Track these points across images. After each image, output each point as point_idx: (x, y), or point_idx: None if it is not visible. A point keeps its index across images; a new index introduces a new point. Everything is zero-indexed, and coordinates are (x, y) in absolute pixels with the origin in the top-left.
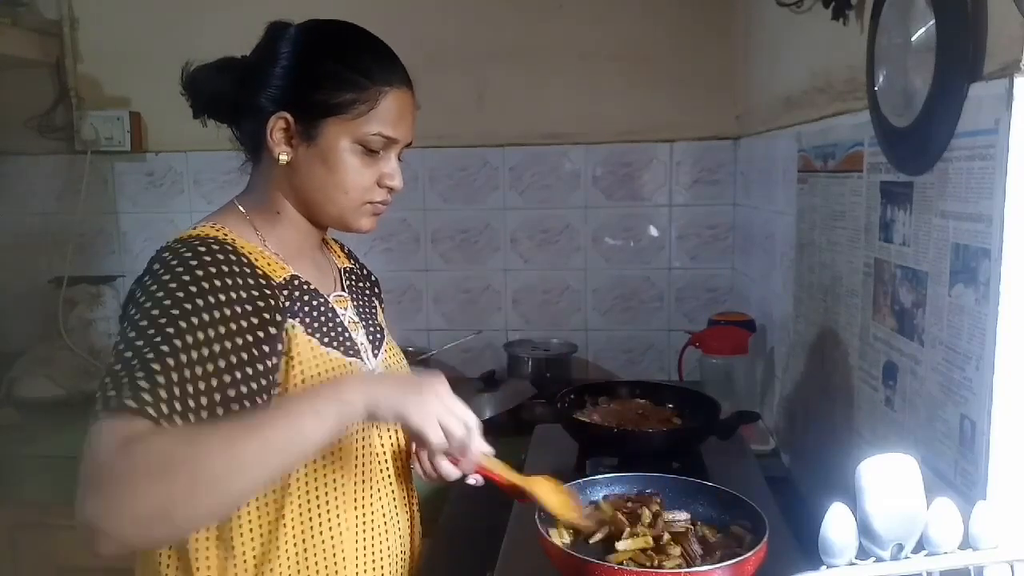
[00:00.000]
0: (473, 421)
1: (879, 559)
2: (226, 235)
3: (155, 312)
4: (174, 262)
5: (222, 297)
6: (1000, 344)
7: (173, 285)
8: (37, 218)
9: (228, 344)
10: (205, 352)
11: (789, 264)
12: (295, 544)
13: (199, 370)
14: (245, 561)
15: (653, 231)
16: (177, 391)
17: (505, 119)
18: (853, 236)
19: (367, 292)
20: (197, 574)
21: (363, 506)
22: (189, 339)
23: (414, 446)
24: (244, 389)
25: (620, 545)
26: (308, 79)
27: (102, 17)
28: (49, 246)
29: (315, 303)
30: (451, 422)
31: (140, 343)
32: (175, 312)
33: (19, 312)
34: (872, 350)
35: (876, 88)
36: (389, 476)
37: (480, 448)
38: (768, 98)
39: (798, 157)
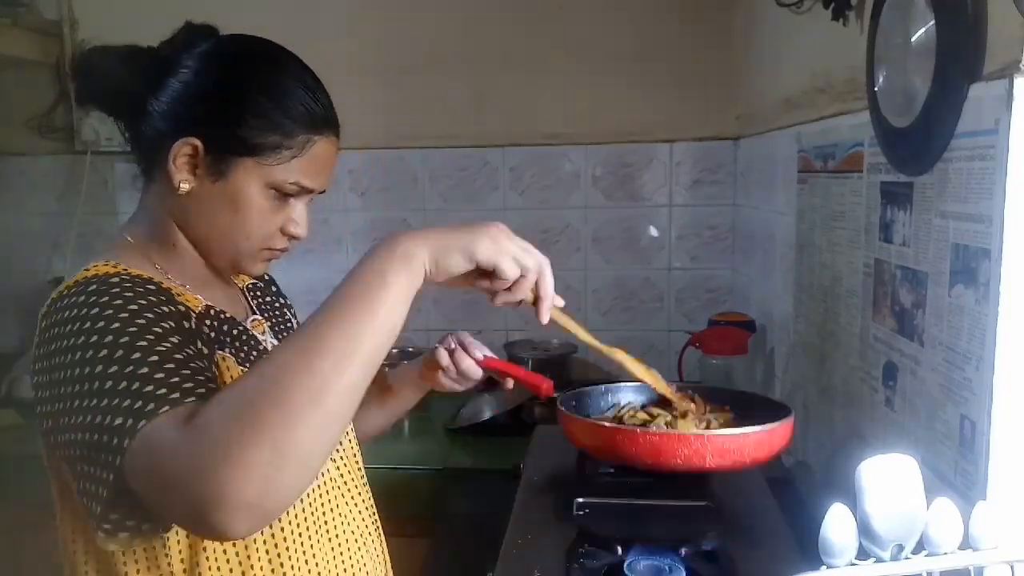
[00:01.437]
0: (545, 259)
1: (879, 559)
2: (125, 270)
3: (110, 344)
4: (76, 308)
5: (150, 316)
6: (1000, 344)
7: (101, 324)
8: (37, 218)
9: (178, 341)
10: (171, 346)
11: (789, 264)
12: None
13: (184, 354)
14: None
15: (653, 231)
16: (194, 371)
17: (505, 119)
18: (853, 236)
19: (276, 304)
20: None
21: (335, 535)
22: (145, 344)
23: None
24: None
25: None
26: (228, 110)
27: (102, 17)
28: (49, 246)
29: (236, 331)
30: (525, 256)
31: (101, 385)
32: (121, 339)
33: (19, 312)
34: (872, 350)
35: (876, 88)
36: (353, 499)
37: (553, 290)
38: (768, 98)
39: (798, 157)
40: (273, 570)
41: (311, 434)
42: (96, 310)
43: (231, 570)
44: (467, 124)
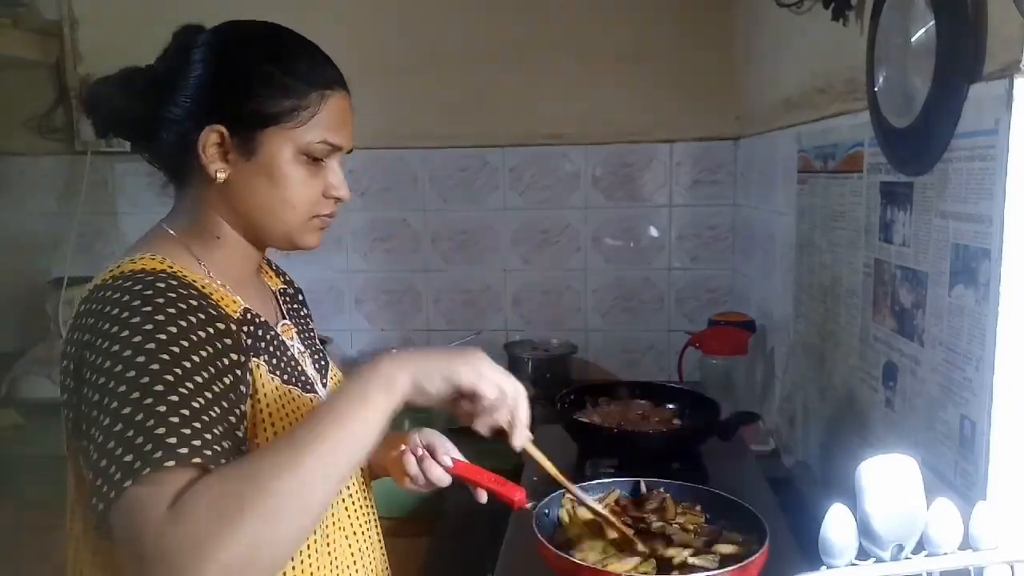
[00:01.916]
0: (522, 388)
1: (879, 560)
2: (171, 267)
3: (130, 372)
4: (117, 306)
5: (185, 343)
6: (1000, 345)
7: (137, 339)
8: (37, 218)
9: (204, 379)
10: (193, 387)
11: (789, 265)
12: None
13: (198, 403)
14: None
15: (653, 232)
16: (200, 428)
17: (505, 119)
18: (853, 237)
19: (302, 313)
20: None
21: (336, 536)
22: (171, 379)
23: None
24: (233, 420)
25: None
26: (239, 87)
27: (102, 17)
28: (49, 246)
29: (269, 337)
30: (504, 381)
31: (132, 404)
32: (151, 365)
33: (19, 312)
34: (872, 351)
35: (876, 89)
36: (355, 501)
37: (527, 417)
38: (768, 99)
39: (798, 158)
40: None
41: (287, 529)
42: (136, 319)
43: None
44: (467, 124)
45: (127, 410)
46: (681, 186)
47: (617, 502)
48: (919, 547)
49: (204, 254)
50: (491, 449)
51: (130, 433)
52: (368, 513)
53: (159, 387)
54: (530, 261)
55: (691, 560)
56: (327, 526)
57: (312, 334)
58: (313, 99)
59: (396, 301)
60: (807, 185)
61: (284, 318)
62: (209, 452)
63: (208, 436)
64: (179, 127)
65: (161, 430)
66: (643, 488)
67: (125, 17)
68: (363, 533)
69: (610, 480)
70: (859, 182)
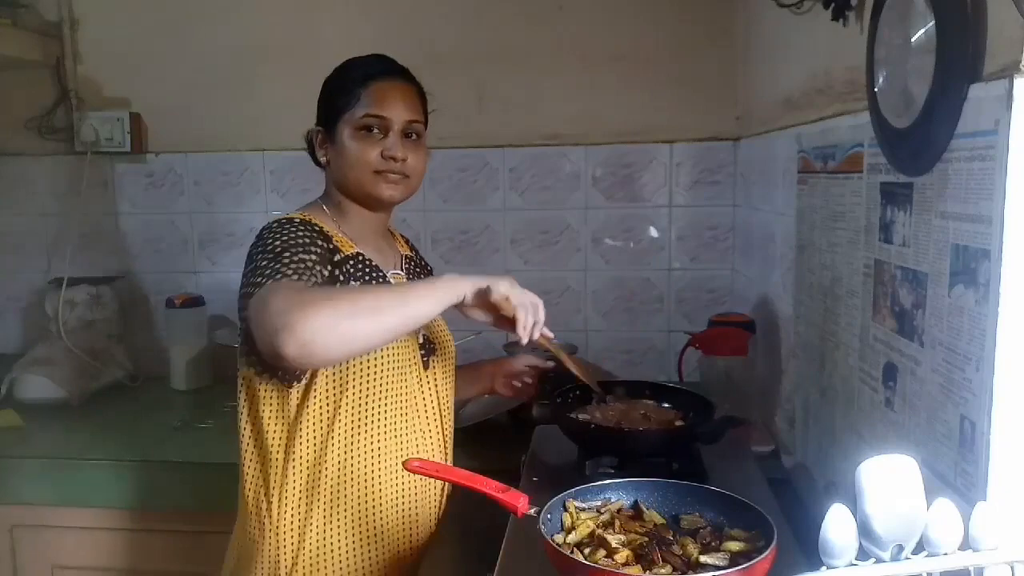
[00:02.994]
0: (540, 300)
1: (879, 560)
2: (308, 218)
3: (274, 246)
4: (279, 228)
5: (308, 244)
6: (1000, 345)
7: (284, 236)
8: (37, 218)
9: (314, 262)
10: (309, 264)
11: (789, 265)
12: (339, 460)
13: (311, 268)
14: (303, 461)
15: (653, 232)
16: (303, 272)
17: (505, 120)
18: (853, 237)
19: (421, 278)
20: (271, 471)
21: (402, 443)
22: (298, 255)
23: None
24: None
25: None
26: (325, 97)
27: (102, 18)
28: (49, 246)
29: (373, 274)
30: (528, 294)
31: (271, 258)
32: (285, 246)
33: (19, 312)
34: (872, 351)
35: (876, 89)
36: (429, 424)
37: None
38: (768, 99)
39: (798, 158)
40: (346, 449)
41: (352, 329)
42: (274, 231)
43: (314, 446)
44: (467, 125)
45: (262, 263)
46: (681, 186)
47: (620, 511)
48: (919, 547)
49: (337, 215)
50: (491, 451)
51: (259, 271)
52: (437, 434)
53: (284, 253)
54: (530, 261)
55: (702, 559)
56: (398, 432)
57: None
58: (359, 90)
59: None
60: (807, 185)
61: (400, 270)
62: (308, 278)
63: (306, 275)
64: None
65: (279, 265)
66: (643, 508)
67: (125, 17)
68: (424, 438)
69: (611, 483)
70: (859, 182)
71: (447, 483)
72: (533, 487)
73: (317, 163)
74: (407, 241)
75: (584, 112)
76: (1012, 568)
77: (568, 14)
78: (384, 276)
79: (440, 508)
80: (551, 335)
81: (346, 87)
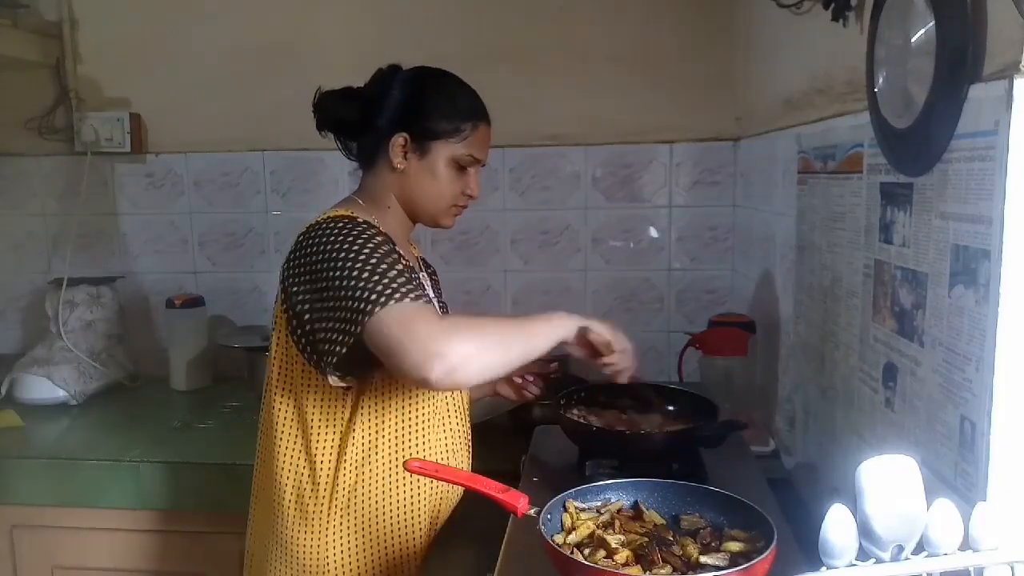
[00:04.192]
0: (630, 346)
1: (879, 560)
2: (356, 217)
3: (364, 257)
4: (334, 230)
5: (385, 247)
6: (1000, 345)
7: (349, 239)
8: (37, 219)
9: (401, 268)
10: (398, 269)
11: (789, 265)
12: (390, 454)
13: (405, 276)
14: (353, 458)
15: (653, 232)
16: (412, 288)
17: (505, 120)
18: (853, 237)
19: (433, 279)
20: (319, 467)
21: (434, 440)
22: (380, 259)
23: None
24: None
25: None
26: (425, 110)
27: (102, 18)
28: (49, 247)
29: (415, 275)
30: (624, 339)
31: (371, 270)
32: (366, 252)
33: (19, 313)
34: (872, 351)
35: (876, 89)
36: (460, 424)
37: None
38: (768, 99)
39: (798, 158)
40: (399, 431)
41: (493, 357)
42: (349, 234)
43: (368, 431)
44: None
45: (365, 274)
46: (681, 187)
47: (620, 511)
48: (919, 548)
49: (377, 215)
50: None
51: (372, 283)
52: (464, 434)
53: (378, 261)
54: (530, 262)
55: (702, 559)
56: (437, 428)
57: (439, 296)
58: (468, 126)
59: None
60: (807, 186)
61: (422, 271)
62: (428, 300)
63: (422, 294)
64: (378, 132)
65: (400, 278)
66: (643, 508)
67: (125, 17)
68: (456, 439)
69: (611, 484)
70: (859, 183)
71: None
72: (533, 487)
73: (367, 163)
74: (415, 245)
75: (584, 112)
76: (1012, 568)
77: (568, 14)
78: (417, 277)
79: (450, 510)
80: (638, 376)
81: (452, 115)
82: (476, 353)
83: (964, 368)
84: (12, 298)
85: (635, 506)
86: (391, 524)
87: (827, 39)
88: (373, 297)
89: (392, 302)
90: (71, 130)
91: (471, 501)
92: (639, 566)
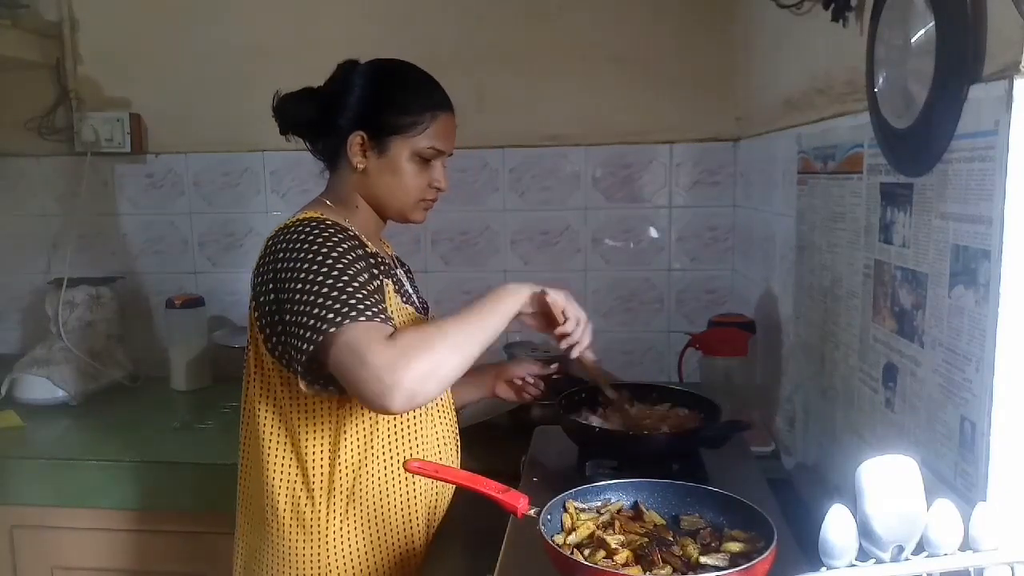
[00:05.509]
0: (585, 317)
1: (879, 561)
2: (327, 219)
3: (327, 266)
4: (300, 235)
5: (350, 256)
6: (1000, 345)
7: (313, 249)
8: (37, 219)
9: (366, 278)
10: (362, 281)
11: (789, 266)
12: (384, 455)
13: (366, 291)
14: (348, 462)
15: (653, 233)
16: (372, 304)
17: (505, 121)
18: (853, 238)
19: (409, 277)
20: (312, 473)
21: (425, 437)
22: (348, 273)
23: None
24: (385, 307)
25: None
26: (380, 106)
27: (102, 19)
28: (49, 247)
29: (391, 272)
30: (579, 309)
31: (331, 286)
32: (334, 264)
33: (19, 313)
34: (872, 351)
35: (876, 90)
36: (444, 422)
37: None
38: (768, 100)
39: (798, 159)
40: (390, 440)
41: (449, 366)
42: (314, 242)
43: (360, 434)
44: (467, 125)
45: (324, 289)
46: (681, 187)
47: (620, 511)
48: (919, 548)
49: (348, 216)
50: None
51: (329, 301)
52: (450, 437)
53: (343, 277)
54: (530, 262)
55: (702, 559)
56: (424, 435)
57: (416, 291)
58: (427, 117)
59: None
60: (807, 186)
61: (400, 268)
62: (383, 317)
63: (381, 306)
64: (338, 131)
65: (360, 295)
66: (643, 508)
67: (125, 17)
68: (443, 442)
69: (611, 484)
70: (859, 183)
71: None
72: (533, 488)
73: (331, 163)
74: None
75: (584, 112)
76: (1012, 568)
77: (568, 14)
78: (397, 273)
79: (446, 508)
80: (594, 357)
81: (409, 109)
82: (431, 370)
83: (964, 368)
84: (12, 298)
85: (635, 506)
86: (391, 524)
87: (827, 39)
88: (329, 316)
89: (347, 321)
90: (71, 130)
91: (472, 501)
92: (639, 566)
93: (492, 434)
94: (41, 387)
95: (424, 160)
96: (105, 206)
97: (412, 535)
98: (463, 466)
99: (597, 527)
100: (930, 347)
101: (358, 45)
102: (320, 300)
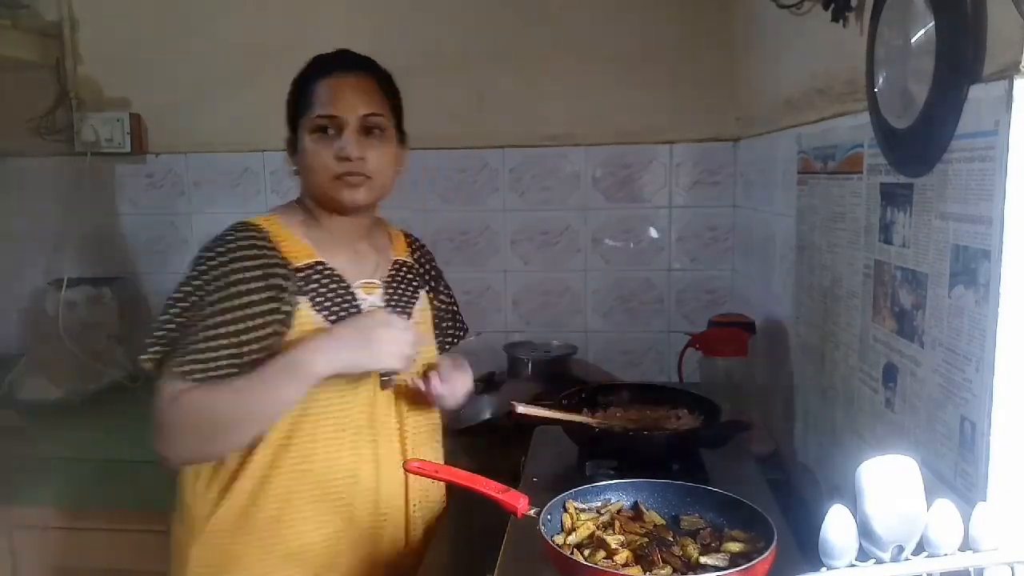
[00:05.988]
0: (413, 337)
1: (879, 561)
2: (266, 223)
3: (182, 295)
4: (205, 245)
5: (233, 278)
6: (1000, 346)
7: (200, 268)
8: (37, 219)
9: (234, 316)
10: (216, 324)
11: (789, 266)
12: (295, 454)
13: (212, 341)
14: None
15: (653, 233)
16: (203, 358)
17: (505, 121)
18: (853, 238)
19: (413, 284)
20: (222, 470)
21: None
22: (206, 314)
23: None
24: (246, 350)
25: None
26: (289, 102)
27: (102, 19)
28: (49, 247)
29: (332, 286)
30: (400, 350)
31: (174, 318)
32: (194, 298)
33: (19, 313)
34: (872, 352)
35: (876, 90)
36: (384, 443)
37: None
38: (768, 100)
39: (798, 159)
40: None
41: (219, 450)
42: (202, 258)
43: (272, 452)
44: (467, 125)
45: (166, 311)
46: (681, 187)
47: (620, 512)
48: (919, 548)
49: (309, 219)
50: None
51: (160, 328)
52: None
53: (184, 315)
54: (530, 262)
55: (702, 559)
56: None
57: (408, 311)
58: (311, 90)
59: None
60: (807, 186)
61: (374, 278)
62: (202, 375)
63: (220, 364)
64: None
65: (201, 345)
66: (643, 509)
67: (125, 17)
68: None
69: (611, 484)
70: (859, 183)
71: (443, 485)
72: (533, 488)
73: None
74: (412, 243)
75: (584, 112)
76: (1012, 569)
77: (568, 14)
78: (348, 287)
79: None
80: (440, 389)
81: (301, 90)
82: (197, 448)
83: (964, 368)
84: (12, 298)
85: (635, 506)
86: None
87: (827, 39)
88: (154, 348)
89: (162, 368)
90: (71, 130)
91: (471, 501)
92: (639, 567)
93: (492, 434)
94: (41, 387)
95: (322, 131)
96: (105, 206)
97: (398, 538)
98: (463, 466)
99: (597, 527)
100: (930, 347)
101: (358, 45)
102: (159, 325)
